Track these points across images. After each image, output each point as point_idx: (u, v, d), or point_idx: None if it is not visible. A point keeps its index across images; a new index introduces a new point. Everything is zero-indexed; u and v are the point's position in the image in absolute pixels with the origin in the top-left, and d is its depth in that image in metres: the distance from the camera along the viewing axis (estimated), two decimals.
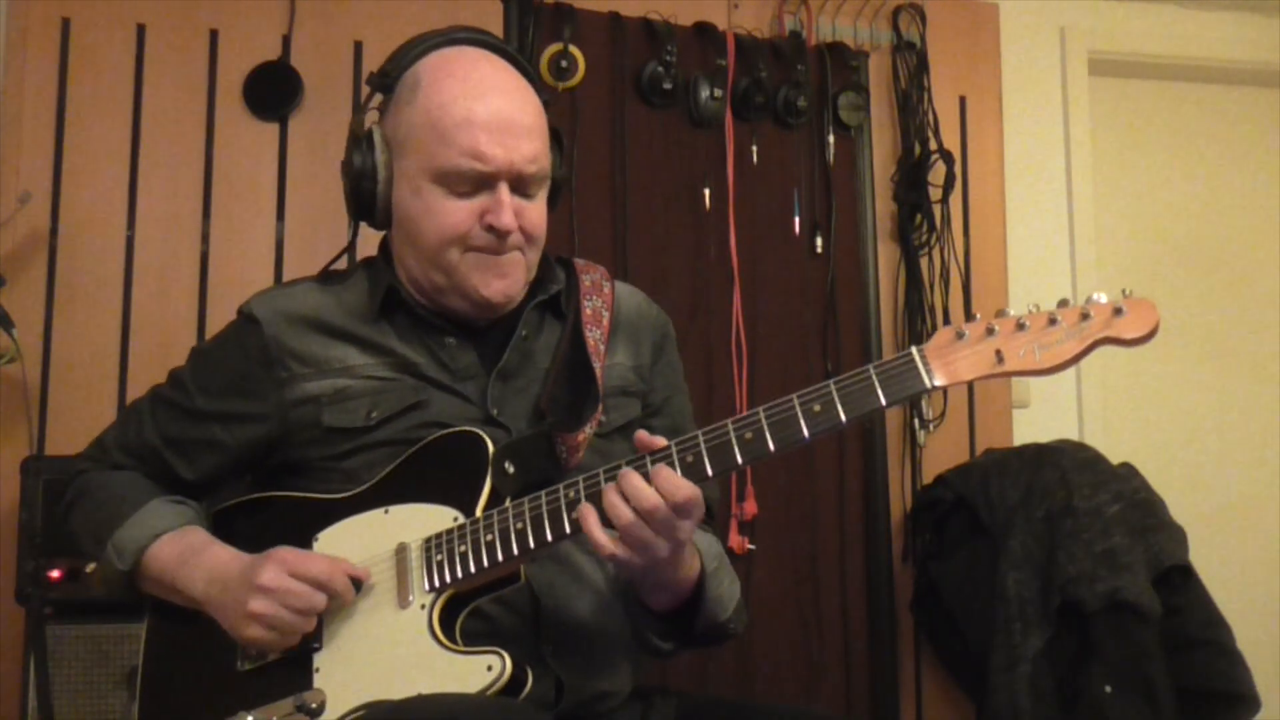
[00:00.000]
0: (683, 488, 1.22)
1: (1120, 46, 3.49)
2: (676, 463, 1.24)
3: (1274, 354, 3.60)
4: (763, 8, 3.07)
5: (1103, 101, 3.52)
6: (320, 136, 2.80)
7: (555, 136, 1.47)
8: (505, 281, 1.41)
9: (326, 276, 1.52)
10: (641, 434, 1.28)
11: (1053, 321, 1.20)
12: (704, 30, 2.93)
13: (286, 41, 2.80)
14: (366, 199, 1.43)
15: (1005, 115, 3.30)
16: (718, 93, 2.88)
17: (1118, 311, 1.19)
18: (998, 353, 1.20)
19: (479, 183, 1.37)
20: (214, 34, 2.77)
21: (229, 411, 1.44)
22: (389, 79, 1.43)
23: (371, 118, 1.46)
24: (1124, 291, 1.20)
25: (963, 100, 3.24)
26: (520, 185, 1.39)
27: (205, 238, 2.72)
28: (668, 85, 2.85)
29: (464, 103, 1.36)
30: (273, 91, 2.78)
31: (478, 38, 1.45)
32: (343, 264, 1.58)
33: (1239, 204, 3.66)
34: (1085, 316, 1.19)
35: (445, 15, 2.77)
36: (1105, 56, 3.46)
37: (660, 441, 1.27)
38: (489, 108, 1.36)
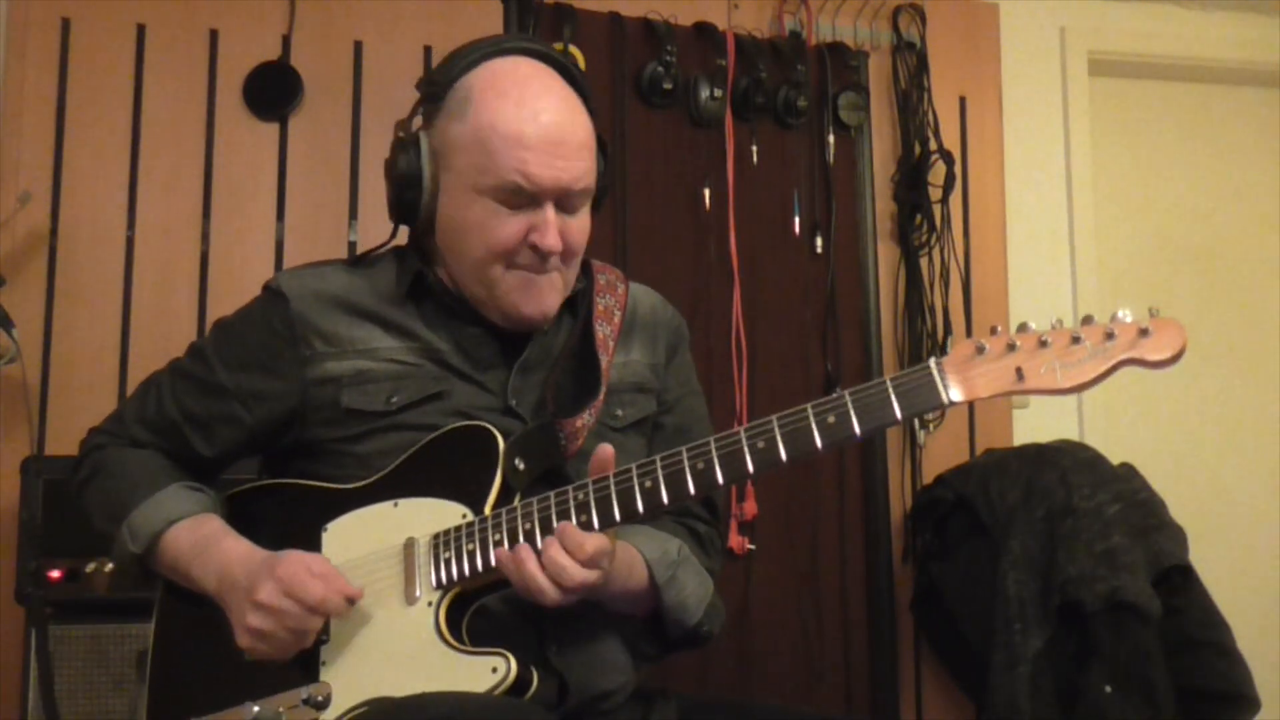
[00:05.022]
0: (587, 543, 1.24)
1: (1120, 46, 3.48)
2: (687, 470, 1.25)
3: (1274, 354, 3.59)
4: (763, 8, 3.07)
5: (1103, 101, 3.51)
6: (320, 136, 2.80)
7: (600, 144, 1.47)
8: (543, 303, 1.42)
9: (355, 261, 1.52)
10: (598, 454, 1.30)
11: (1076, 340, 1.16)
12: (704, 30, 2.92)
13: (286, 41, 2.79)
14: (410, 206, 1.43)
15: (1005, 115, 3.30)
16: (718, 93, 2.88)
17: (1143, 332, 1.15)
18: (1018, 370, 1.17)
19: (526, 198, 1.37)
20: (214, 34, 2.77)
21: (249, 388, 1.43)
22: (437, 87, 1.42)
23: (418, 122, 1.45)
24: (1150, 311, 1.16)
25: (963, 100, 3.24)
26: (565, 202, 1.39)
27: (205, 238, 2.72)
28: (668, 85, 2.84)
29: (514, 124, 1.35)
30: (273, 91, 2.78)
31: (528, 47, 1.44)
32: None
33: (1239, 204, 3.65)
34: (1110, 336, 1.15)
35: (446, 15, 2.81)
36: (1105, 56, 3.46)
37: (607, 459, 1.29)
38: (538, 128, 1.35)
